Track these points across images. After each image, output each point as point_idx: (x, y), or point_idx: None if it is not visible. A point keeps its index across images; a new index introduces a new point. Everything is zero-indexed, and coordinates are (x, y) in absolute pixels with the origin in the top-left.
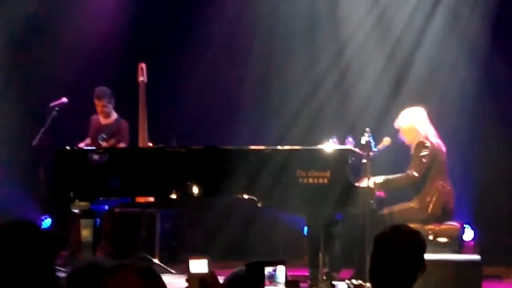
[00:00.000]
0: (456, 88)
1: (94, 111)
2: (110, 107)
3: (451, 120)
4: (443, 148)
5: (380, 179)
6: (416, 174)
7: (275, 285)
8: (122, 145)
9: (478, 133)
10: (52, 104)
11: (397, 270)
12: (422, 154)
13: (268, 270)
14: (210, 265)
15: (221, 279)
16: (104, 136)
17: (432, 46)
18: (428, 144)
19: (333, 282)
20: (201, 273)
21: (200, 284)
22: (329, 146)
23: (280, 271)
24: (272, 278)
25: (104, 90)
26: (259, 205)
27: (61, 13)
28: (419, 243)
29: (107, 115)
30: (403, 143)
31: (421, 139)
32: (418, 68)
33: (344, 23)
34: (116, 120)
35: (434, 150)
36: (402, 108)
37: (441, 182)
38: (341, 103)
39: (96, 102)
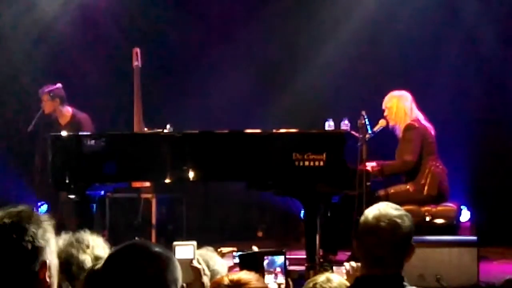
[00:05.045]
0: (447, 70)
1: (87, 96)
2: (51, 104)
3: (445, 102)
4: (431, 129)
5: (377, 165)
6: (411, 158)
7: (275, 275)
8: None
9: (471, 114)
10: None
11: (383, 254)
12: (412, 137)
13: (266, 260)
14: (196, 251)
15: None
16: None
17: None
18: (416, 125)
19: (330, 265)
20: (187, 258)
21: (186, 271)
22: (325, 128)
23: (279, 261)
24: (271, 267)
25: (45, 87)
26: (255, 188)
27: None
28: (402, 229)
29: (52, 112)
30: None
31: (409, 122)
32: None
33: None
34: (73, 116)
35: (422, 131)
36: (388, 91)
37: (433, 162)
38: (337, 85)
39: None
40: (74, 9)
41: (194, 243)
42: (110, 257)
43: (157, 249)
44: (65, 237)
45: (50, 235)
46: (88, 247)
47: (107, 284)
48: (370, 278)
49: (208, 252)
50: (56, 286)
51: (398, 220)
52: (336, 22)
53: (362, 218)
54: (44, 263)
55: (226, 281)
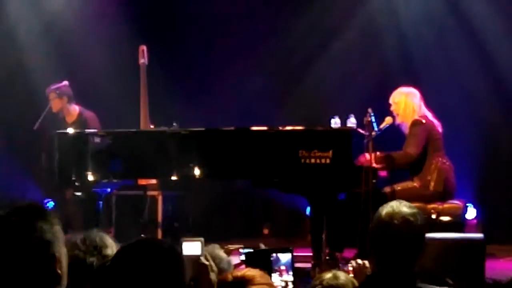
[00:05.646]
0: (453, 67)
1: (95, 95)
2: (58, 102)
3: (452, 100)
4: (438, 126)
5: (380, 154)
6: (414, 151)
7: (279, 273)
8: None
9: (479, 111)
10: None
11: (396, 252)
12: (418, 132)
13: (272, 258)
14: (204, 247)
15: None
16: None
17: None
18: (423, 121)
19: (336, 262)
20: (195, 255)
21: (193, 267)
22: (331, 126)
23: (284, 259)
24: (276, 265)
25: (52, 85)
26: (261, 186)
27: None
28: (415, 227)
29: (60, 110)
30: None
31: (416, 117)
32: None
33: None
34: (80, 114)
35: (428, 127)
36: (394, 88)
37: (440, 159)
38: (342, 82)
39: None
40: (80, 6)
41: (202, 239)
42: (119, 253)
43: (165, 246)
44: (70, 238)
45: (57, 228)
46: (95, 248)
47: (115, 280)
48: (382, 276)
49: (214, 250)
50: (66, 278)
51: (411, 218)
52: (343, 19)
53: (376, 215)
54: (54, 256)
55: (230, 278)
